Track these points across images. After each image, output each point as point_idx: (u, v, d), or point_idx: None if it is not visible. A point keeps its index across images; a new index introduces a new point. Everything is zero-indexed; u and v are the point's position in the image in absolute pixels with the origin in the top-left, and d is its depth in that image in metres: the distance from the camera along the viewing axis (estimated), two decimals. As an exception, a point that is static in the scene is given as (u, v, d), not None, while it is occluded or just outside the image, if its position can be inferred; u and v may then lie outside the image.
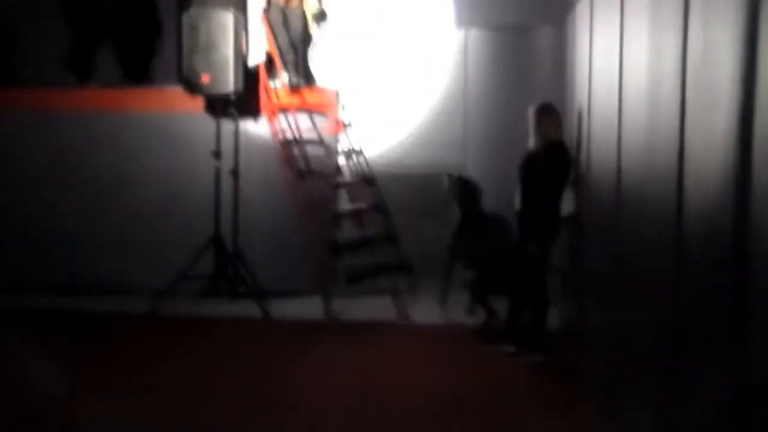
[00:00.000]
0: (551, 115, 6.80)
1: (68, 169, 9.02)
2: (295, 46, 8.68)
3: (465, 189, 7.82)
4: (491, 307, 7.51)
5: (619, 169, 4.66)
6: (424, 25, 9.44)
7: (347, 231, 9.11)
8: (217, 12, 8.27)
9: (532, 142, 6.79)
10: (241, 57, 8.35)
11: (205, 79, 8.24)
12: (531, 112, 6.81)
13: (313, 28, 8.85)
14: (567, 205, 6.70)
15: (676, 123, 3.24)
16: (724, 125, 2.66)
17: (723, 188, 2.70)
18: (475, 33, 9.23)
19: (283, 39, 8.64)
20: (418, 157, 9.33)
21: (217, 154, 8.48)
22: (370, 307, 8.15)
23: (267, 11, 8.61)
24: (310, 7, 8.70)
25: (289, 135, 8.61)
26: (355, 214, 8.93)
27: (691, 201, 3.16)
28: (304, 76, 8.74)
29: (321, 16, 8.90)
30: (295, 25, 8.69)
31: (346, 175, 9.05)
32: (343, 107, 8.98)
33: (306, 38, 8.78)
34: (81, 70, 9.04)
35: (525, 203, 6.72)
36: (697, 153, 3.01)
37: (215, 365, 6.64)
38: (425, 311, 8.09)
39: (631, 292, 4.38)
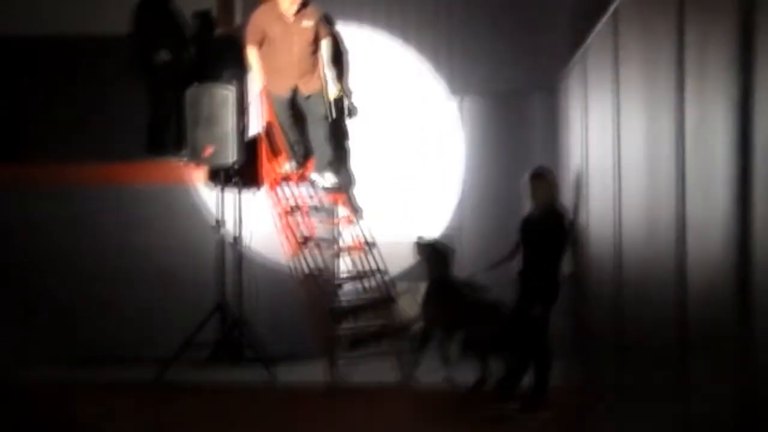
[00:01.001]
0: (546, 179, 7.02)
1: (71, 241, 9.18)
2: (313, 131, 8.71)
3: (434, 254, 7.86)
4: (489, 366, 7.49)
5: (618, 231, 4.84)
6: (417, 94, 9.62)
7: (349, 296, 9.26)
8: (218, 88, 8.53)
9: (528, 206, 7.01)
10: (241, 129, 8.57)
11: (207, 151, 8.47)
12: (526, 177, 7.03)
13: (335, 115, 8.83)
14: (566, 265, 6.89)
15: (675, 189, 3.42)
16: (723, 192, 2.84)
17: (723, 253, 2.85)
18: (469, 100, 9.47)
19: (290, 126, 8.72)
20: (416, 221, 9.48)
21: (220, 223, 8.67)
22: (375, 370, 8.24)
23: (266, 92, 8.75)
24: (331, 93, 8.71)
25: (290, 203, 8.82)
26: (356, 279, 9.07)
27: (692, 262, 3.31)
28: (333, 169, 8.76)
29: (351, 112, 9.05)
30: (315, 112, 8.69)
31: (347, 241, 9.21)
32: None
33: (333, 128, 8.80)
34: (160, 145, 9.04)
35: (526, 265, 6.92)
36: (698, 218, 3.18)
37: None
38: (430, 373, 8.21)
39: (633, 351, 4.51)
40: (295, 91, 8.60)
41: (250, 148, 8.73)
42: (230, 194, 8.82)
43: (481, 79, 9.35)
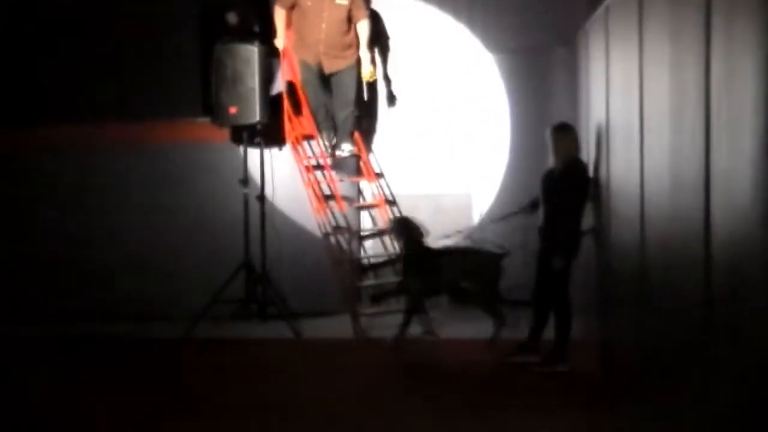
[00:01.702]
0: (568, 133, 7.08)
1: (100, 200, 9.35)
2: (338, 109, 8.81)
3: (406, 229, 8.00)
4: (501, 314, 7.70)
5: (641, 185, 4.92)
6: (449, 51, 9.62)
7: (371, 251, 9.41)
8: (243, 46, 8.60)
9: (551, 160, 7.09)
10: (265, 88, 8.66)
11: (232, 110, 8.57)
12: (548, 132, 7.10)
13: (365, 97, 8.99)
14: (588, 219, 6.98)
15: (701, 142, 3.50)
16: (750, 144, 2.92)
17: (749, 207, 2.92)
18: (493, 57, 9.49)
19: (319, 100, 8.82)
20: (441, 177, 9.56)
21: (244, 181, 8.80)
22: (396, 325, 8.37)
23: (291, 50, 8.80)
24: (364, 75, 8.83)
25: (312, 161, 8.94)
26: (378, 235, 9.20)
27: (716, 215, 3.39)
28: (343, 137, 8.85)
29: (391, 100, 9.18)
30: (340, 90, 8.79)
31: (369, 198, 9.33)
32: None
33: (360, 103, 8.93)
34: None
35: (547, 219, 7.02)
36: (723, 172, 3.26)
37: (251, 384, 6.89)
38: (451, 326, 8.36)
39: (657, 304, 4.60)
40: (320, 64, 8.69)
41: (273, 106, 8.80)
42: (255, 152, 8.93)
43: (505, 36, 9.35)
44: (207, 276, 8.73)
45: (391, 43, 9.36)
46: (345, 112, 8.81)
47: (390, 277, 8.76)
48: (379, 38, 9.20)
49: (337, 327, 8.57)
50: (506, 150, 9.40)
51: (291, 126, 8.87)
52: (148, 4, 9.29)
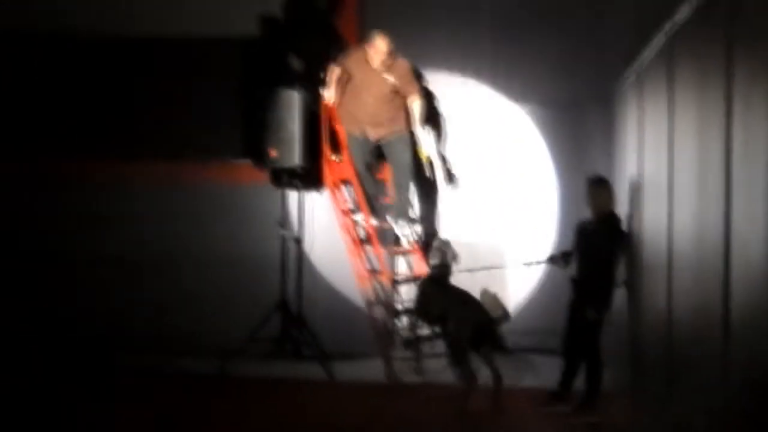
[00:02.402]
0: (604, 187, 7.20)
1: (142, 235, 9.54)
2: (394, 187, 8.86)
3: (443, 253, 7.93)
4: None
5: (670, 241, 5.03)
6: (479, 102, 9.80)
7: (405, 296, 9.52)
8: (285, 91, 8.82)
9: (587, 212, 7.21)
10: (306, 132, 8.85)
11: (272, 153, 8.78)
12: (585, 184, 7.23)
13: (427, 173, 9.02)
14: (620, 273, 7.06)
15: (722, 204, 3.63)
16: (766, 206, 3.05)
17: (765, 264, 3.06)
18: (528, 109, 9.64)
19: (364, 167, 8.86)
20: (477, 225, 9.68)
21: (282, 223, 8.98)
22: (429, 371, 8.45)
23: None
24: (422, 154, 8.84)
25: (350, 205, 9.12)
26: (413, 281, 9.31)
27: (736, 271, 3.51)
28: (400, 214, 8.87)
29: (450, 178, 9.24)
30: (397, 161, 8.82)
31: (405, 243, 9.45)
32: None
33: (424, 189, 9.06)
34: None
35: (580, 270, 7.12)
36: (742, 232, 3.39)
37: (284, 425, 6.98)
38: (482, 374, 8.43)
39: (682, 358, 4.69)
40: (365, 134, 8.78)
41: (312, 150, 8.96)
42: (293, 194, 9.12)
43: (540, 89, 9.51)
44: (243, 315, 8.85)
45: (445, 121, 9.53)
46: (400, 196, 8.85)
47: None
48: (432, 117, 9.32)
49: (370, 370, 8.67)
50: (543, 201, 9.52)
51: (329, 170, 9.06)
52: (193, 47, 9.53)
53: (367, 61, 8.59)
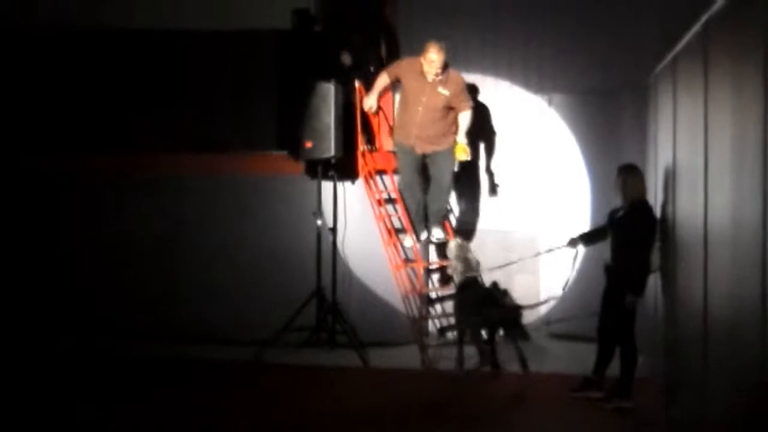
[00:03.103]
0: (635, 174, 7.27)
1: (181, 227, 9.68)
2: (432, 199, 8.85)
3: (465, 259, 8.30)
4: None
5: (705, 228, 5.09)
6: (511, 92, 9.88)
7: (438, 284, 9.65)
8: (320, 83, 8.92)
9: (618, 200, 7.28)
10: (341, 124, 8.97)
11: (308, 144, 8.90)
12: (616, 172, 7.31)
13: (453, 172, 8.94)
14: (655, 259, 7.13)
15: (760, 191, 3.69)
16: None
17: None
18: (564, 98, 9.71)
19: (415, 193, 8.87)
20: (507, 215, 9.78)
21: (317, 213, 9.11)
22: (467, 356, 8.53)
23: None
24: (458, 155, 8.71)
25: (384, 195, 9.23)
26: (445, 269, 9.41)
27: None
28: (435, 223, 8.91)
29: (493, 190, 9.40)
30: (440, 173, 8.79)
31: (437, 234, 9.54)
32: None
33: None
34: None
35: (614, 257, 7.20)
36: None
37: (319, 410, 7.13)
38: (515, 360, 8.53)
39: (717, 345, 4.75)
40: (413, 149, 8.77)
41: (347, 141, 9.09)
42: (328, 185, 9.24)
43: (572, 77, 9.58)
44: (279, 304, 8.98)
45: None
46: (439, 204, 8.89)
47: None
48: (484, 132, 9.35)
49: (404, 357, 8.79)
50: (577, 190, 9.59)
51: (364, 161, 9.17)
52: (231, 40, 9.63)
53: (421, 73, 8.47)
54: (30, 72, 9.85)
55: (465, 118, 8.65)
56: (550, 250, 8.41)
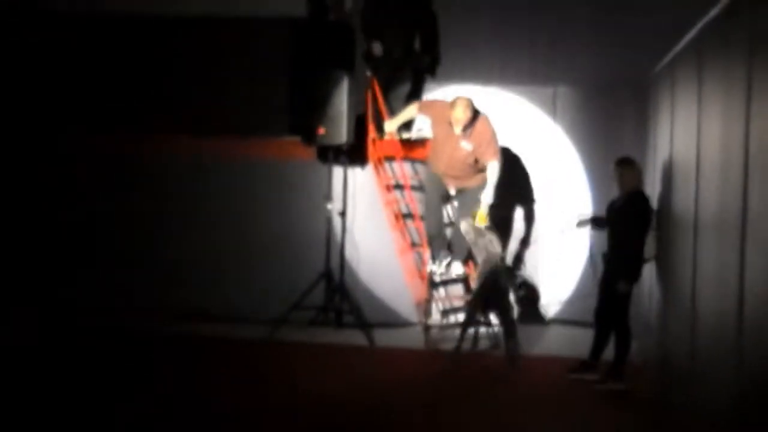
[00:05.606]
0: (630, 167, 7.58)
1: (195, 210, 9.95)
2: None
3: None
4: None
5: (696, 218, 5.40)
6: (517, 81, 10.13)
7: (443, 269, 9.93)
8: (334, 70, 9.18)
9: (616, 191, 7.61)
10: (353, 111, 9.23)
11: (320, 131, 9.18)
12: (613, 165, 7.63)
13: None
14: (650, 248, 7.45)
15: (741, 185, 4.02)
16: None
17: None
18: (563, 89, 9.98)
19: (437, 218, 9.00)
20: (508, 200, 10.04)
21: (328, 197, 9.41)
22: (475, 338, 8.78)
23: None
24: (477, 220, 8.38)
25: (392, 181, 9.54)
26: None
27: (751, 249, 3.89)
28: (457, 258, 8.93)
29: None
30: (467, 209, 8.59)
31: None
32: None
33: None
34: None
35: (611, 246, 7.53)
36: (756, 212, 3.78)
37: (326, 387, 7.37)
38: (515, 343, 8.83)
39: (707, 330, 5.05)
40: (442, 181, 8.85)
41: (358, 128, 9.34)
42: (339, 170, 9.52)
43: (575, 70, 9.84)
44: (289, 284, 9.26)
45: None
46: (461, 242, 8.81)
47: (462, 293, 9.30)
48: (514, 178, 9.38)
49: (408, 338, 9.10)
50: (578, 182, 9.89)
51: (374, 148, 9.47)
52: (246, 26, 9.86)
53: (449, 123, 8.38)
54: (64, 57, 10.10)
55: (491, 171, 8.40)
56: (566, 230, 8.73)
